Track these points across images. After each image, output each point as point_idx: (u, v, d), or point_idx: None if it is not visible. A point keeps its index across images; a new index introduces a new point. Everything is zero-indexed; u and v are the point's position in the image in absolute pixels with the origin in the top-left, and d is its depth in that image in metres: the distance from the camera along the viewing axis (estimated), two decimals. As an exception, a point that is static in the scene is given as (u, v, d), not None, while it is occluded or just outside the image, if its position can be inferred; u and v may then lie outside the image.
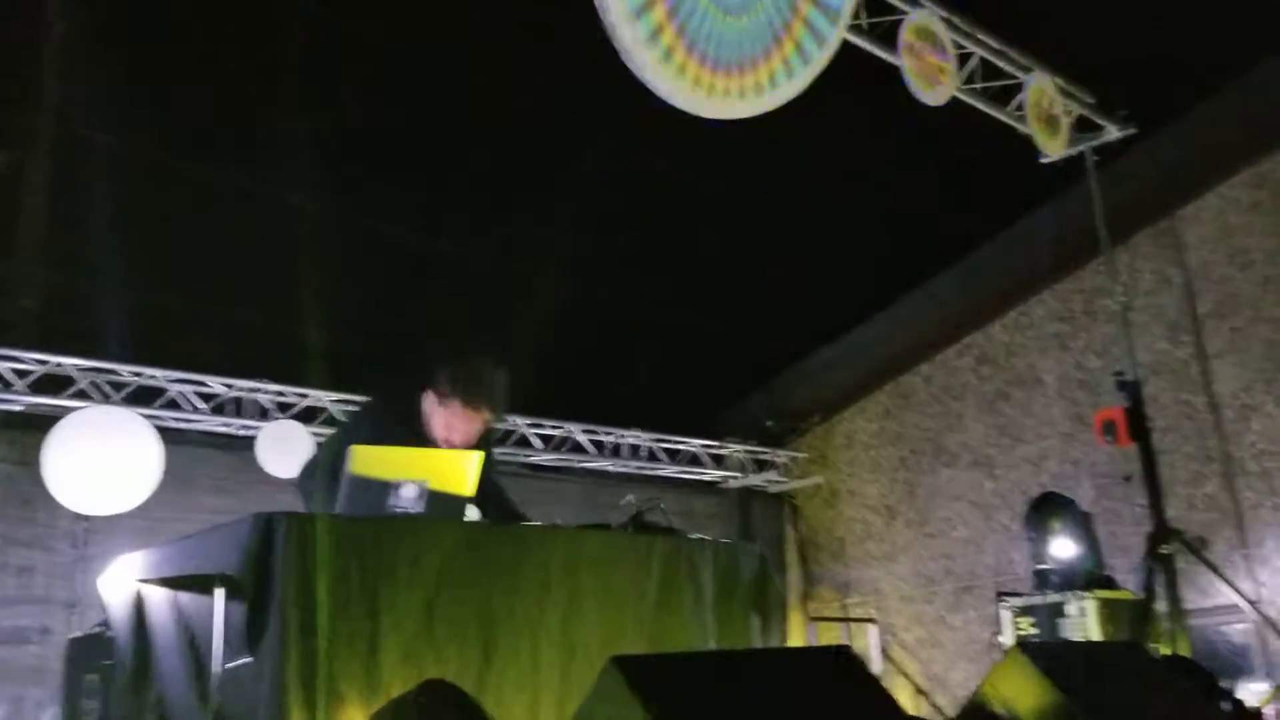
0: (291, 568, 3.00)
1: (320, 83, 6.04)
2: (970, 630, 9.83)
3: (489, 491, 4.12)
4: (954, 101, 6.07)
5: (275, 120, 6.26)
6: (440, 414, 4.03)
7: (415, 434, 4.03)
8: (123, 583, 3.67)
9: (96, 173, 6.23)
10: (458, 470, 3.68)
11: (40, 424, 6.77)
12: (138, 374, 7.10)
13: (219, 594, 3.18)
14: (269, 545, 3.03)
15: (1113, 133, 7.10)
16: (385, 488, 3.52)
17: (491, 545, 3.50)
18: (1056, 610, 5.87)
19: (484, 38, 6.08)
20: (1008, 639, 6.02)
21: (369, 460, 3.53)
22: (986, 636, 9.38)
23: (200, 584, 3.28)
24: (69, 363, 6.86)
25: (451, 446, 3.99)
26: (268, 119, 6.24)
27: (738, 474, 10.45)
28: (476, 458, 3.71)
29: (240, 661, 3.12)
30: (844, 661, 2.84)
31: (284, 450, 7.29)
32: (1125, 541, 8.59)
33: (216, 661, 3.16)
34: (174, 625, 3.45)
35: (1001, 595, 6.41)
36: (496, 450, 4.54)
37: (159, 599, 3.54)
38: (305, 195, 6.65)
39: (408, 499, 3.55)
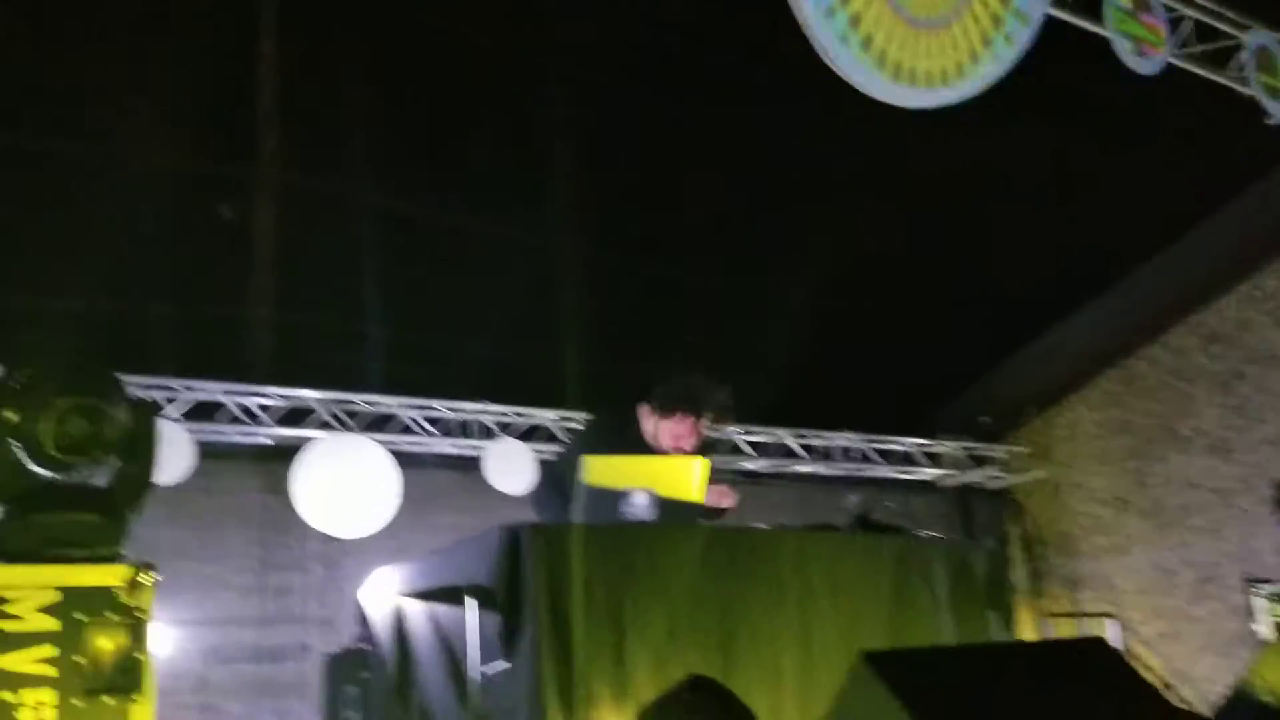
0: (541, 577, 3.14)
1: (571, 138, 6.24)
2: (1215, 621, 9.29)
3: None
4: (1170, 68, 5.79)
5: (498, 163, 6.52)
6: (663, 426, 4.14)
7: (637, 447, 4.16)
8: (381, 597, 3.90)
9: (318, 215, 6.65)
10: (685, 476, 3.77)
11: (287, 454, 7.26)
12: (371, 403, 7.50)
13: (471, 604, 3.36)
14: (517, 556, 3.18)
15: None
16: (617, 496, 3.65)
17: (726, 549, 3.56)
18: (1316, 597, 5.52)
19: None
20: (1262, 628, 5.67)
21: (601, 470, 3.66)
22: (1233, 627, 8.88)
23: (454, 595, 3.47)
24: (308, 395, 7.31)
25: (684, 453, 4.09)
26: (488, 161, 6.51)
27: (954, 472, 10.22)
28: (702, 464, 3.79)
29: (497, 667, 3.29)
30: (1101, 653, 2.77)
31: (509, 467, 7.58)
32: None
33: (474, 667, 3.33)
34: (432, 634, 3.66)
35: (1252, 583, 6.04)
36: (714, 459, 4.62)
37: (416, 610, 3.76)
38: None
39: (640, 506, 3.66)
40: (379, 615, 3.91)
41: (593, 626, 3.19)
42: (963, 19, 4.58)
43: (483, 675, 3.34)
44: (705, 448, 4.32)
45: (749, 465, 8.90)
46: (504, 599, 3.19)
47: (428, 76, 6.04)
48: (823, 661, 3.58)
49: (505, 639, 3.21)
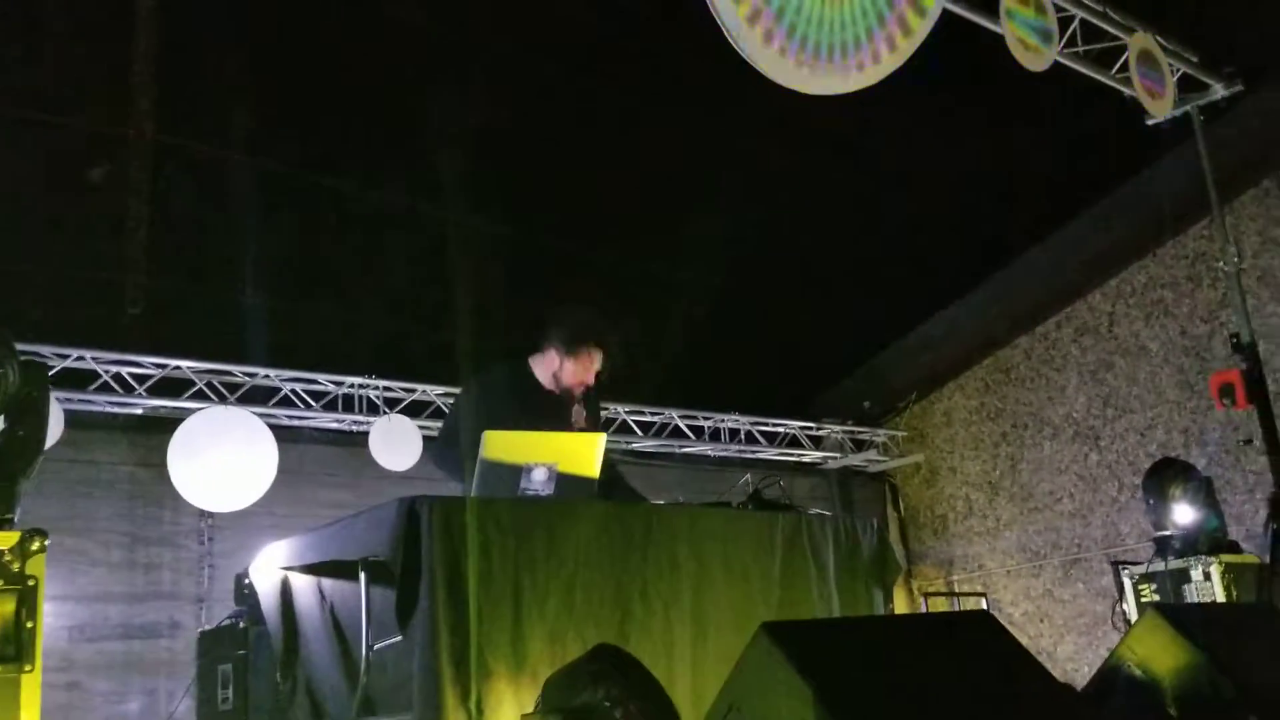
0: (438, 550, 3.11)
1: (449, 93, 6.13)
2: (1079, 603, 9.70)
3: (609, 475, 4.22)
4: (1056, 66, 5.97)
5: (386, 124, 6.39)
6: (568, 365, 4.24)
7: (533, 382, 4.29)
8: (270, 570, 3.80)
9: (200, 179, 6.44)
10: (584, 452, 3.77)
11: (160, 426, 7.02)
12: (251, 374, 7.30)
13: (364, 578, 3.30)
14: (414, 528, 3.14)
15: (1219, 91, 6.92)
16: (516, 471, 3.62)
17: (623, 524, 3.59)
18: (1181, 576, 5.77)
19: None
20: (1131, 608, 5.93)
21: (501, 445, 3.63)
22: (1097, 609, 9.25)
23: (346, 569, 3.40)
24: (186, 365, 7.07)
25: (586, 390, 4.25)
26: (376, 122, 6.38)
27: (836, 454, 10.43)
28: (601, 440, 3.79)
29: (389, 642, 3.24)
30: (987, 626, 2.86)
31: (395, 444, 7.47)
32: (1239, 510, 8.43)
33: (365, 643, 3.28)
34: (319, 609, 3.59)
35: (1119, 565, 6.32)
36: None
37: (304, 585, 3.68)
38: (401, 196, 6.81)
39: (538, 481, 3.65)
40: (265, 590, 3.80)
41: (490, 601, 3.17)
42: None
43: (373, 652, 3.29)
44: (599, 387, 4.43)
45: (637, 445, 8.94)
46: (400, 572, 3.14)
47: (306, 36, 5.87)
48: (715, 635, 3.64)
49: (400, 613, 3.16)
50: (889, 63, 4.65)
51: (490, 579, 3.19)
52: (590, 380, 4.31)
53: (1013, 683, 2.70)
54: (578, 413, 4.33)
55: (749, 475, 4.40)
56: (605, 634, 3.36)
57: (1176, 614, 3.47)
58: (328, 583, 3.58)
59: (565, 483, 3.66)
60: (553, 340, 4.31)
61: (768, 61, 4.30)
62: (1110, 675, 3.52)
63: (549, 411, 4.25)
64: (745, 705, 2.47)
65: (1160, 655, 3.37)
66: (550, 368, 4.33)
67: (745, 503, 4.18)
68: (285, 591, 3.74)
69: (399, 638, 3.17)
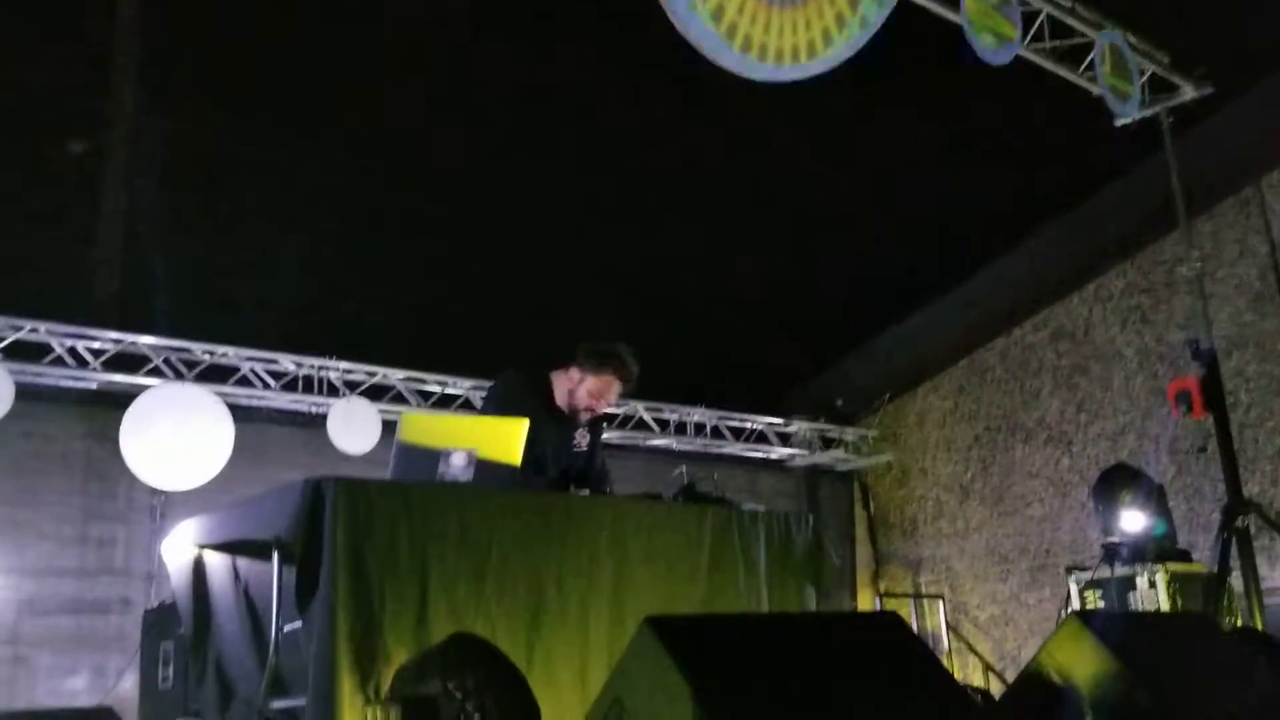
0: (340, 532, 3.05)
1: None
2: (1045, 608, 9.65)
3: (599, 471, 4.53)
4: (1023, 63, 5.89)
5: (348, 115, 6.34)
6: (587, 382, 4.35)
7: (546, 409, 4.35)
8: (183, 548, 3.75)
9: (168, 157, 6.38)
10: (506, 439, 3.70)
11: (117, 401, 6.96)
12: (210, 351, 7.24)
13: (273, 558, 3.24)
14: (318, 510, 3.08)
15: (1189, 93, 6.84)
16: (435, 456, 3.55)
17: (540, 513, 3.52)
18: (1127, 584, 5.72)
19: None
20: (1076, 614, 5.87)
21: (419, 428, 3.56)
22: (1064, 614, 9.20)
23: (255, 548, 3.34)
24: (143, 341, 7.01)
25: (593, 413, 4.43)
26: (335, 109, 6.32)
27: (804, 452, 10.36)
28: (524, 426, 3.73)
29: (296, 624, 3.18)
30: (890, 627, 2.80)
31: (354, 426, 7.41)
32: (1206, 519, 8.37)
33: (275, 623, 3.22)
34: (231, 588, 3.52)
35: (1070, 570, 6.27)
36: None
37: (217, 563, 3.62)
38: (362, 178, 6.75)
39: (457, 467, 3.57)
40: (177, 568, 3.75)
41: (393, 586, 3.11)
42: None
43: (282, 633, 3.23)
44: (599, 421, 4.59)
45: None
46: (302, 553, 3.09)
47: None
48: (634, 628, 3.55)
49: (301, 595, 3.10)
50: (839, 51, 4.57)
51: (396, 562, 3.12)
52: (602, 406, 4.44)
53: (909, 686, 2.64)
54: (580, 435, 4.46)
55: (684, 467, 4.34)
56: (516, 622, 3.31)
57: (1097, 621, 3.41)
58: (240, 561, 3.52)
59: (485, 469, 3.59)
60: (582, 357, 4.40)
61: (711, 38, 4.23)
62: (1029, 681, 3.46)
63: (552, 432, 4.30)
64: (628, 700, 2.43)
65: (1079, 663, 3.32)
66: (569, 383, 4.41)
67: (676, 495, 4.12)
68: (198, 569, 3.69)
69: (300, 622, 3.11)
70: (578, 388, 4.37)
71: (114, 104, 6.08)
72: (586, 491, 4.22)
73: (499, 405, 4.41)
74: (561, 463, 4.35)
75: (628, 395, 4.59)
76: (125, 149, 6.36)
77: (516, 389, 4.46)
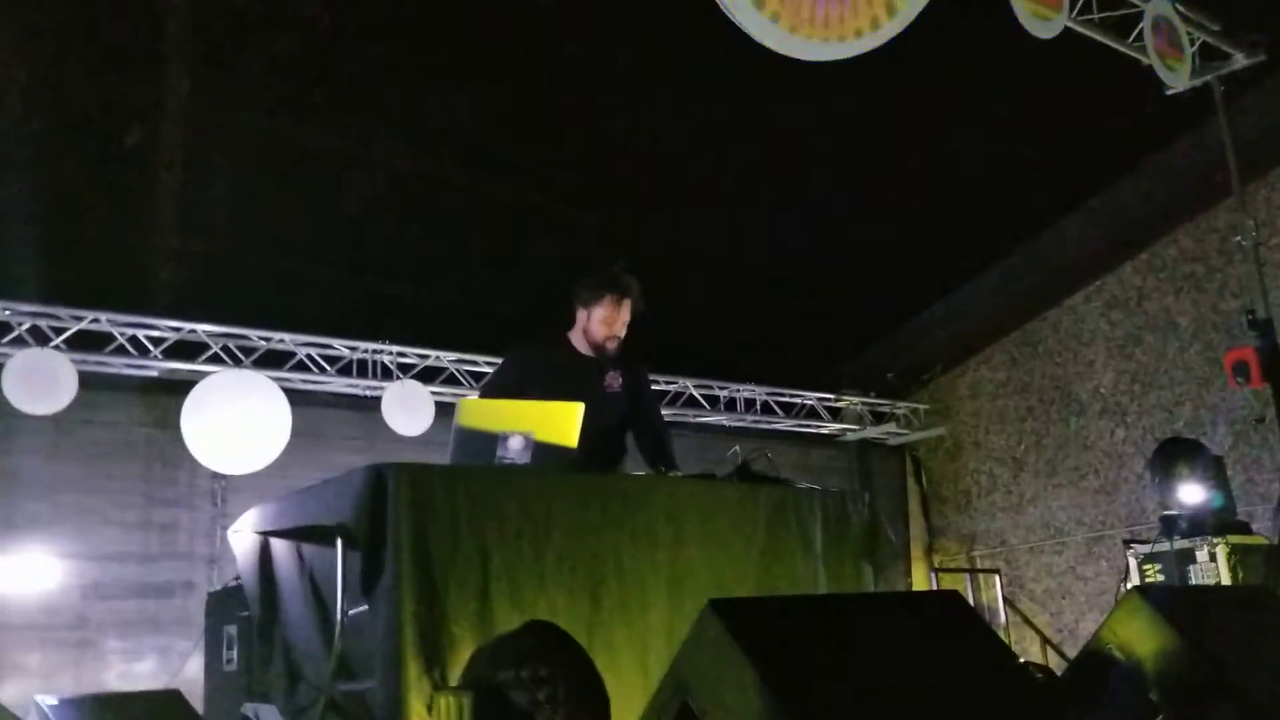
0: (403, 517, 3.09)
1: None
2: (1102, 581, 9.57)
3: (645, 415, 4.57)
4: (1072, 32, 5.80)
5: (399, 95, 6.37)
6: (594, 316, 4.36)
7: (569, 351, 4.42)
8: (249, 535, 3.82)
9: (225, 148, 6.46)
10: (562, 422, 3.73)
11: (176, 388, 7.08)
12: (266, 338, 7.34)
13: (337, 543, 3.29)
14: (381, 496, 3.13)
15: (1241, 61, 6.72)
16: (493, 439, 3.59)
17: (598, 494, 3.55)
18: (1186, 557, 5.65)
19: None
20: (1135, 588, 5.83)
21: (477, 413, 3.61)
22: (1121, 587, 9.12)
23: (319, 534, 3.40)
24: (202, 329, 7.12)
25: (614, 340, 4.39)
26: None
27: (855, 426, 10.33)
28: (579, 409, 3.75)
29: (362, 608, 3.24)
30: (951, 606, 2.80)
31: (408, 408, 7.49)
32: (1266, 489, 8.26)
33: (339, 609, 3.27)
34: (297, 574, 3.59)
35: (1129, 543, 6.21)
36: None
37: (282, 549, 3.69)
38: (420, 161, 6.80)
39: (515, 450, 3.62)
40: (244, 553, 3.83)
41: (457, 569, 3.15)
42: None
43: (348, 617, 3.29)
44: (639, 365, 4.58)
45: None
46: (366, 539, 3.14)
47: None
48: (692, 610, 3.54)
49: (365, 580, 3.16)
50: (888, 29, 4.53)
51: (458, 547, 3.16)
52: (619, 330, 4.40)
53: (973, 667, 2.64)
54: (612, 378, 4.44)
55: (737, 447, 4.33)
56: (577, 606, 3.34)
57: (1158, 596, 3.39)
58: (305, 547, 3.58)
59: (542, 451, 3.63)
60: (578, 299, 4.42)
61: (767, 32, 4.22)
62: (1092, 658, 3.46)
63: (578, 380, 4.30)
64: (692, 683, 2.44)
65: (1141, 638, 3.31)
66: (580, 328, 4.43)
67: (731, 474, 4.12)
68: (264, 555, 3.76)
69: (365, 606, 3.16)
70: (590, 325, 4.39)
71: (172, 94, 6.15)
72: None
73: (509, 372, 4.50)
74: (594, 406, 4.10)
75: (639, 313, 4.44)
76: (182, 140, 6.44)
77: (532, 354, 4.48)
